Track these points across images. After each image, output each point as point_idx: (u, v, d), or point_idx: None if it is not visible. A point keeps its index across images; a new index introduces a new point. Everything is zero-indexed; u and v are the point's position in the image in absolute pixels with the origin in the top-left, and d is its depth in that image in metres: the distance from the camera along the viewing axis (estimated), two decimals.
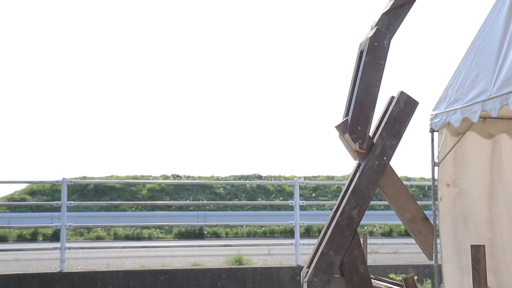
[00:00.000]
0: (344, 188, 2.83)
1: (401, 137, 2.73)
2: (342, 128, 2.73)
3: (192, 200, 18.78)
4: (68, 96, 32.08)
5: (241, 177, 21.09)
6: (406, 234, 15.40)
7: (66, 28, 31.12)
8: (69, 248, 8.09)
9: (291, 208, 9.83)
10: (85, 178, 19.32)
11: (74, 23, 31.11)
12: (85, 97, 32.53)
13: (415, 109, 2.77)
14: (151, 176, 20.84)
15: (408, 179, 19.87)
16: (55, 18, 31.29)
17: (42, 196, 18.40)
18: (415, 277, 3.73)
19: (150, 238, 15.44)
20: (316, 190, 19.99)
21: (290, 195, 19.13)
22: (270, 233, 16.45)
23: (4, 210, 17.07)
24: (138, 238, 15.21)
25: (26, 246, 11.76)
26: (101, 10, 32.44)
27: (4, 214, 16.08)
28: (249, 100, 34.85)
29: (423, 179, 19.59)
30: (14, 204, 17.66)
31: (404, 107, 2.75)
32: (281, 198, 19.38)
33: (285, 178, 20.93)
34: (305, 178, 20.87)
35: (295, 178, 13.34)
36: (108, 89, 32.26)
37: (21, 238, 14.67)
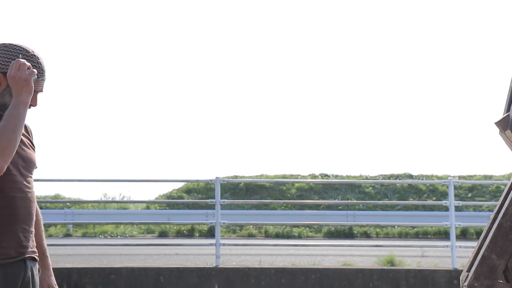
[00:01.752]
0: (506, 188, 2.67)
1: None
2: (503, 125, 2.58)
3: (341, 199, 18.71)
4: (221, 99, 33.55)
5: (391, 176, 20.63)
6: None
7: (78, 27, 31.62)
8: (224, 244, 8.44)
9: (445, 208, 9.43)
10: (236, 177, 20.07)
11: (75, 23, 31.77)
12: (234, 99, 33.78)
13: None
14: (299, 175, 21.11)
15: None
16: (55, 18, 32.10)
17: (197, 194, 19.43)
18: None
19: (300, 236, 15.65)
20: (472, 190, 18.97)
21: (444, 195, 18.34)
22: (422, 234, 15.90)
23: (164, 207, 18.31)
24: (288, 236, 15.49)
25: (184, 242, 12.53)
26: (101, 10, 33.11)
27: (164, 211, 17.24)
28: (398, 99, 33.96)
29: None
30: (172, 202, 18.86)
31: None
32: (433, 198, 18.66)
33: (438, 178, 20.13)
34: (459, 177, 19.90)
35: (449, 178, 12.77)
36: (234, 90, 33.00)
37: (179, 234, 15.63)
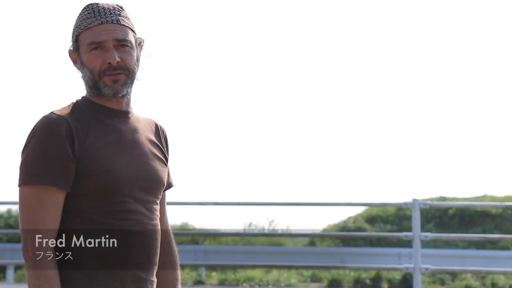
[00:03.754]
0: None
1: None
2: None
3: None
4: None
5: None
6: None
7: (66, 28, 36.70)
8: None
9: None
10: (444, 199, 19.57)
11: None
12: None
13: None
14: None
15: None
16: (55, 18, 35.68)
17: (384, 224, 19.21)
18: None
19: None
20: None
21: None
22: None
23: (336, 243, 18.30)
24: None
25: None
26: None
27: (336, 249, 17.22)
28: None
29: None
30: (348, 235, 18.71)
31: None
32: None
33: None
34: None
35: None
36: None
37: (359, 283, 15.48)
